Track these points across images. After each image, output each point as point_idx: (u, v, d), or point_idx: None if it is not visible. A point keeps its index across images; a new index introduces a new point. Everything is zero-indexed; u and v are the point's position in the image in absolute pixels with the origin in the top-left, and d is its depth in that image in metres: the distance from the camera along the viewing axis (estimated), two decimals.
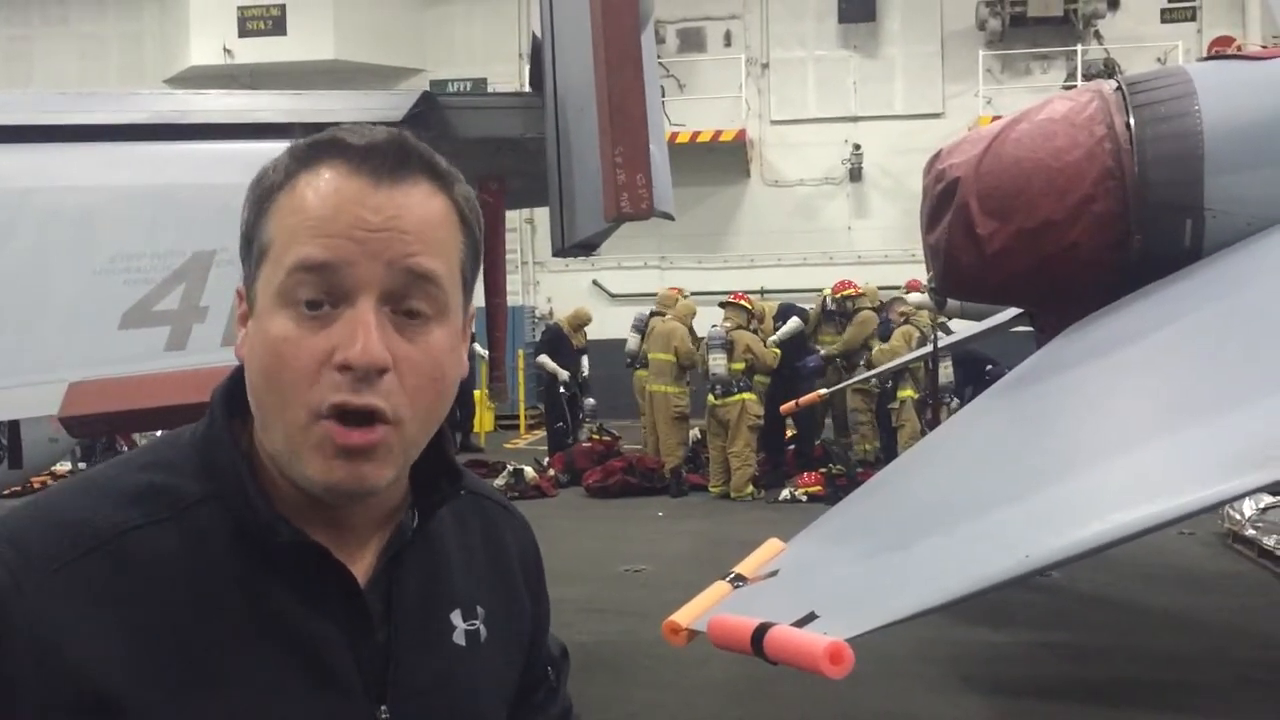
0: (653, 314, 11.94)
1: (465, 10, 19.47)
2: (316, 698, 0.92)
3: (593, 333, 13.70)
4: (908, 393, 10.68)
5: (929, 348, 8.81)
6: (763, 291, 15.48)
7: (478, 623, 1.07)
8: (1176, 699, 5.05)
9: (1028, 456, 3.46)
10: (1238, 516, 7.71)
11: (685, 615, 2.73)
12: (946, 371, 10.27)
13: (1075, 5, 17.47)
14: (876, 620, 2.46)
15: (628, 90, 2.89)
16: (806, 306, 11.96)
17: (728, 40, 19.04)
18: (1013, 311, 6.56)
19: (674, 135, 16.43)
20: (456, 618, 1.05)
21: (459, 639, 1.05)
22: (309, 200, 0.90)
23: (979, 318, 8.19)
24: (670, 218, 3.49)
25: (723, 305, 11.21)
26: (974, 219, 4.40)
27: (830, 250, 18.10)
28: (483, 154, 3.98)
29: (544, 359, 12.92)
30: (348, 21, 18.55)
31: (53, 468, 8.48)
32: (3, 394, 3.04)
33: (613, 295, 18.21)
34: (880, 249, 17.65)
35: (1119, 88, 4.41)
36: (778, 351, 10.87)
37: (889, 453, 10.51)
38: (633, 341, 12.06)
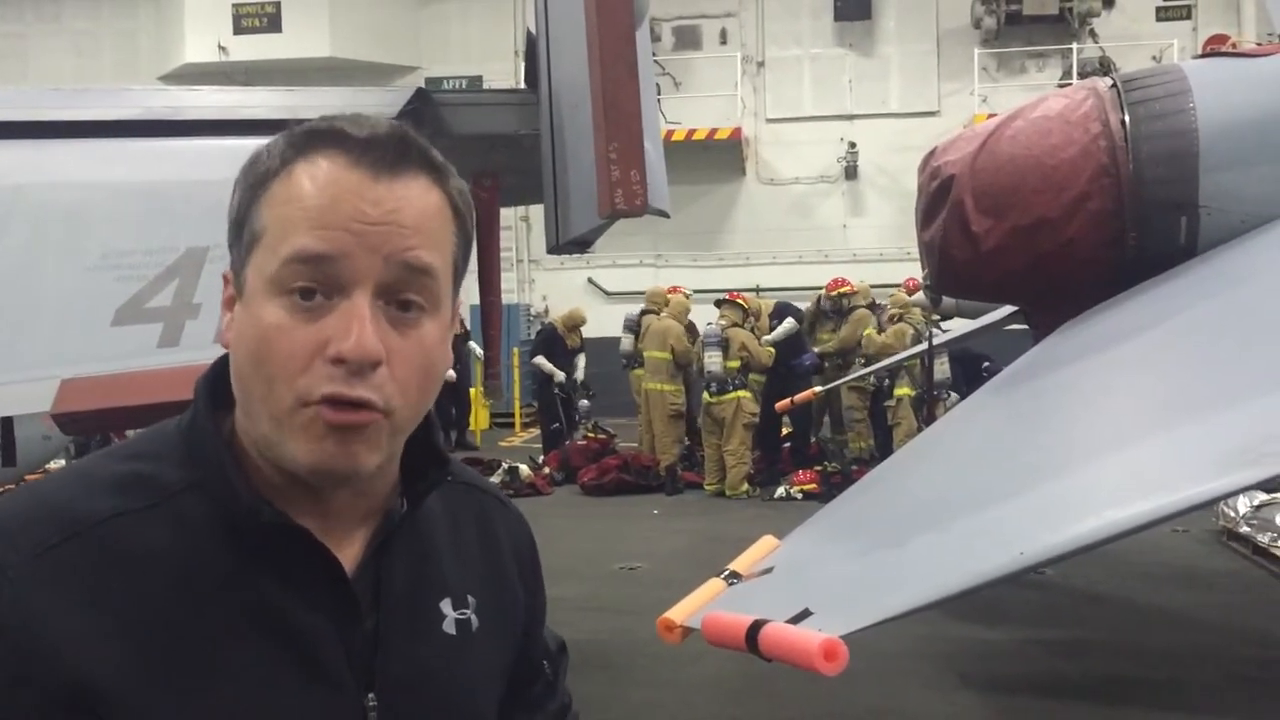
0: (644, 312, 11.93)
1: (461, 8, 19.44)
2: (302, 684, 0.92)
3: (587, 331, 13.68)
4: (904, 390, 10.68)
5: (924, 345, 8.83)
6: (758, 289, 15.48)
7: (469, 612, 1.06)
8: (1170, 696, 5.06)
9: (1022, 453, 3.46)
10: (1232, 513, 7.71)
11: (679, 612, 2.72)
12: (943, 368, 10.29)
13: (1070, 3, 17.46)
14: (871, 617, 2.46)
15: (622, 86, 2.89)
16: (803, 306, 11.97)
17: (723, 38, 19.02)
18: (1007, 309, 6.56)
19: (669, 133, 16.42)
20: (447, 606, 1.05)
21: (449, 627, 1.04)
22: (306, 190, 0.89)
23: (974, 315, 8.21)
24: (665, 215, 3.49)
25: (718, 304, 11.23)
26: (969, 216, 4.40)
27: (826, 248, 18.09)
28: (477, 150, 3.97)
29: (540, 360, 12.91)
30: (343, 19, 18.51)
31: (46, 465, 8.46)
32: None
33: (608, 293, 18.19)
34: (876, 247, 17.64)
35: (1114, 85, 4.41)
36: (772, 350, 10.87)
37: (884, 450, 10.51)
38: (626, 342, 12.05)
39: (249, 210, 0.92)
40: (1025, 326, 5.31)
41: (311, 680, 0.92)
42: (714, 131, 17.85)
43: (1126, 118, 4.24)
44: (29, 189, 3.15)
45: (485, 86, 17.51)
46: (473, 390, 13.94)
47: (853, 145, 18.29)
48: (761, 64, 18.90)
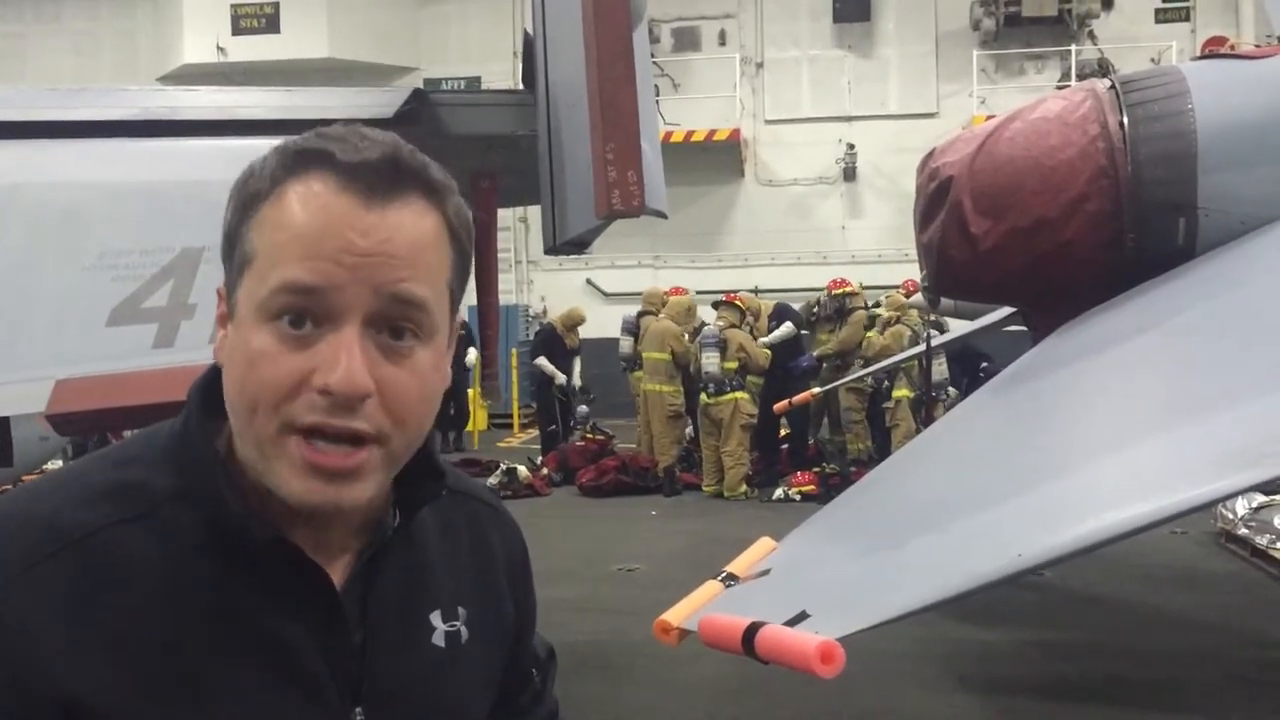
0: (642, 314, 11.92)
1: (459, 9, 19.43)
2: (288, 699, 0.91)
3: (586, 332, 13.67)
4: (903, 392, 10.68)
5: (923, 346, 8.83)
6: (757, 290, 15.48)
7: (459, 624, 1.05)
8: (1169, 698, 5.05)
9: (1021, 455, 3.45)
10: (1230, 515, 7.71)
11: (676, 615, 2.71)
12: (941, 369, 10.29)
13: (1069, 5, 17.46)
14: (868, 619, 2.45)
15: (619, 87, 2.88)
16: (797, 307, 11.97)
17: (722, 39, 19.02)
18: (1005, 310, 6.55)
19: (668, 134, 16.42)
20: (436, 619, 1.04)
21: (438, 640, 1.03)
22: (297, 217, 0.87)
23: (972, 317, 8.20)
24: (663, 215, 3.48)
25: (715, 305, 11.22)
26: (967, 218, 4.40)
27: (824, 250, 18.09)
28: (474, 151, 3.95)
29: (542, 361, 12.88)
30: (341, 20, 18.50)
31: (44, 466, 8.45)
32: None
33: (606, 294, 18.19)
34: (874, 248, 17.64)
35: (1112, 86, 4.40)
36: (769, 353, 10.86)
37: (883, 452, 10.51)
38: (625, 344, 12.01)
39: (239, 231, 0.91)
40: (1024, 328, 5.31)
41: (297, 694, 0.92)
42: (713, 133, 17.86)
43: (1125, 119, 4.23)
44: (25, 189, 3.13)
45: (484, 87, 17.51)
46: (471, 391, 13.92)
47: (851, 147, 18.29)
48: (760, 65, 18.90)
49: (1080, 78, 16.04)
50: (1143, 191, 4.17)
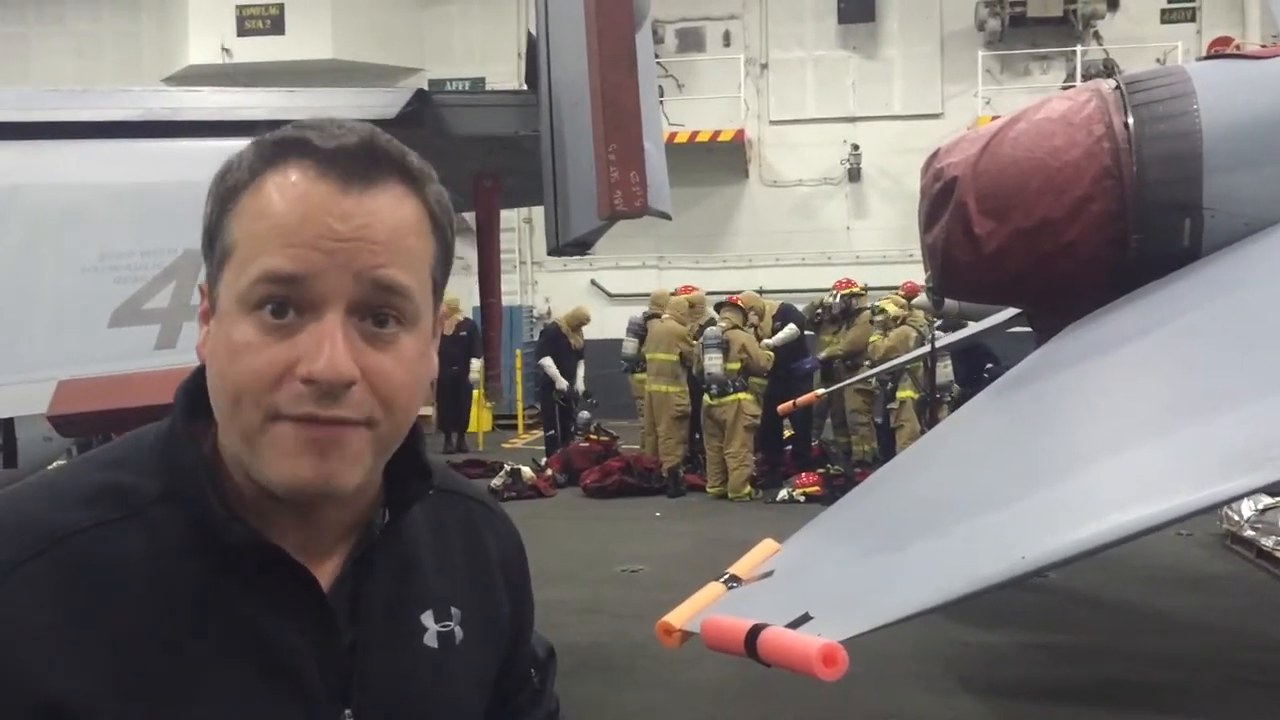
0: (649, 316, 11.90)
1: (463, 10, 19.44)
2: (276, 700, 0.90)
3: (591, 333, 13.66)
4: (907, 393, 10.66)
5: (927, 347, 8.81)
6: (761, 291, 15.47)
7: (452, 624, 1.04)
8: (1173, 700, 5.04)
9: (1025, 457, 3.44)
10: (1236, 517, 7.69)
11: (678, 616, 2.70)
12: (945, 371, 10.27)
13: (1075, 6, 17.44)
14: (871, 622, 2.44)
15: (621, 87, 2.87)
16: (799, 308, 11.95)
17: (726, 40, 19.01)
18: (1010, 311, 6.54)
19: (673, 135, 16.43)
20: (428, 619, 1.03)
21: (430, 640, 1.02)
22: (275, 205, 0.87)
23: (977, 318, 8.18)
24: (667, 216, 3.46)
25: (718, 307, 11.21)
26: (972, 218, 4.38)
27: (829, 250, 18.08)
28: (477, 152, 3.96)
29: (547, 361, 12.83)
30: (346, 21, 18.52)
31: (48, 467, 8.46)
32: None
33: (611, 295, 18.20)
34: (879, 249, 17.63)
35: (1118, 87, 4.39)
36: (771, 354, 10.85)
37: (887, 453, 10.49)
38: (630, 346, 11.98)
39: (219, 224, 0.90)
40: (1029, 329, 5.30)
41: (286, 696, 0.91)
42: (717, 133, 17.84)
43: (1130, 120, 4.22)
44: (27, 189, 3.13)
45: (488, 88, 17.53)
46: (475, 392, 13.91)
47: (856, 147, 18.27)
48: (765, 66, 18.89)
49: (1085, 78, 16.03)
50: (1148, 192, 4.15)
